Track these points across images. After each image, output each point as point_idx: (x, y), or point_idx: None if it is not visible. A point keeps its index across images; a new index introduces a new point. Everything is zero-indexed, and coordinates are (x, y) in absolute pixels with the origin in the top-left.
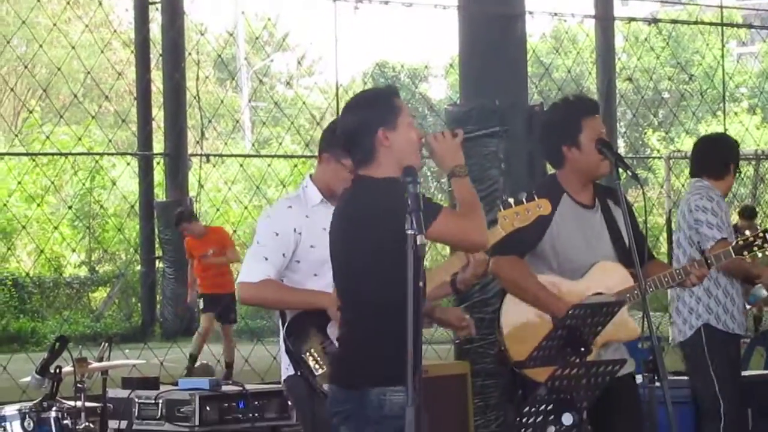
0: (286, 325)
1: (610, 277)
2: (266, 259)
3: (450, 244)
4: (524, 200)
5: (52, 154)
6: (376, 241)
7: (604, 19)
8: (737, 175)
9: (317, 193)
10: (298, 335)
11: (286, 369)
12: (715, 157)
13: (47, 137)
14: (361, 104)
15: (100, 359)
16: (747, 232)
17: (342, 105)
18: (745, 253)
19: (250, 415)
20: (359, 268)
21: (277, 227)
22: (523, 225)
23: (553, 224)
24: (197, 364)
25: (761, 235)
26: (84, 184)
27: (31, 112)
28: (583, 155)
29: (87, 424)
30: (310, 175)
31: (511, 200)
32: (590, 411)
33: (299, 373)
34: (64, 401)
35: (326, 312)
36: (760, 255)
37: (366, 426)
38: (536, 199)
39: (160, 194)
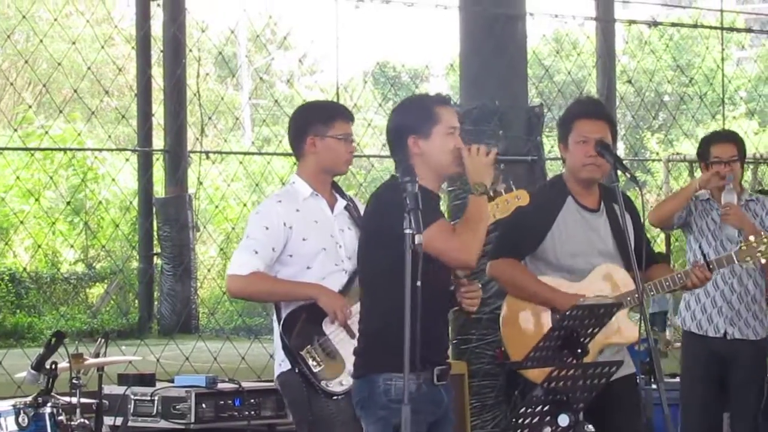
0: (282, 321)
1: (610, 281)
2: (256, 252)
3: (435, 255)
4: (503, 192)
5: (51, 149)
6: (377, 240)
7: (605, 20)
8: None
9: (306, 186)
10: (294, 331)
11: (280, 365)
12: None
13: (46, 132)
14: (400, 108)
15: (97, 355)
16: (751, 237)
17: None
18: (748, 258)
19: (247, 412)
20: (368, 264)
21: (267, 221)
22: (503, 216)
23: (554, 227)
24: None
25: (765, 241)
26: (82, 180)
27: (30, 107)
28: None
29: (82, 420)
30: (296, 173)
31: (490, 192)
32: (592, 411)
33: (297, 370)
34: (59, 397)
35: (320, 307)
36: (764, 261)
37: (377, 410)
38: (514, 190)
39: (159, 191)
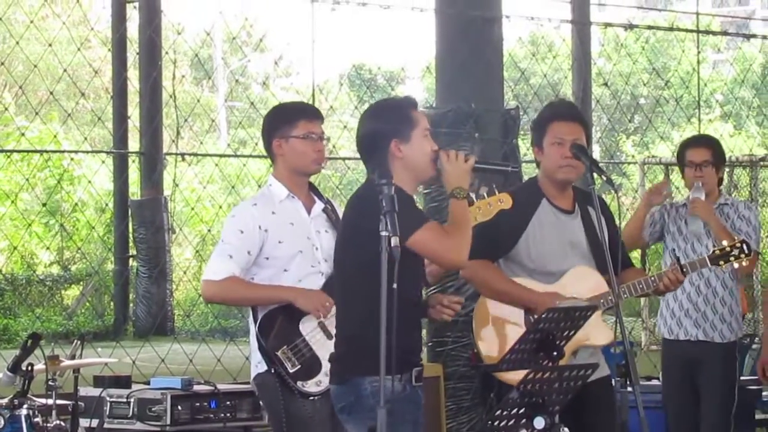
0: (258, 322)
1: (584, 283)
2: (231, 257)
3: (426, 257)
4: (485, 195)
5: (27, 151)
6: (355, 241)
7: (581, 23)
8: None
9: (283, 189)
10: (270, 332)
11: (256, 366)
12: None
13: (22, 134)
14: (377, 114)
15: (72, 357)
16: (724, 242)
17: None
18: (721, 263)
19: (222, 414)
20: (346, 266)
21: (242, 225)
22: (486, 219)
23: (529, 229)
24: None
25: (738, 245)
26: (58, 181)
27: (6, 109)
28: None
29: (58, 422)
30: (272, 175)
31: (473, 195)
32: (567, 413)
33: (272, 371)
34: (35, 399)
35: (297, 308)
36: (736, 266)
37: (367, 413)
38: (497, 193)
39: (134, 193)
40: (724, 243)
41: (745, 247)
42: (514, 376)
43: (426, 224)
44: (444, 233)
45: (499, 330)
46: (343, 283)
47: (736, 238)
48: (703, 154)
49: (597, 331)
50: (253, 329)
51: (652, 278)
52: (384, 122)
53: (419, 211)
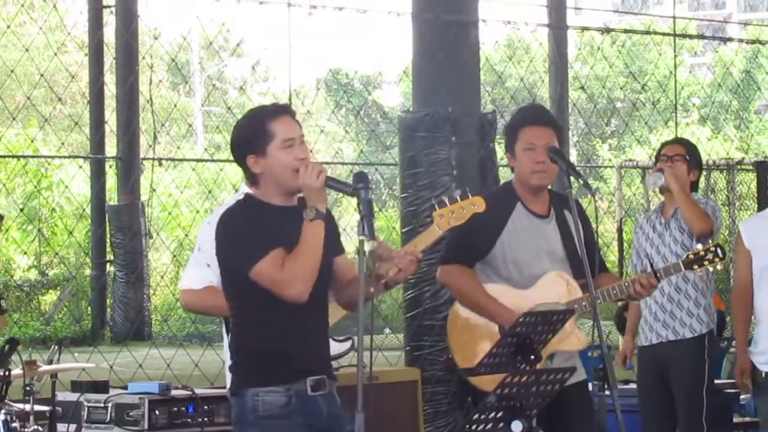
0: (230, 332)
1: (558, 288)
2: (208, 265)
3: (268, 288)
4: (459, 198)
5: (4, 157)
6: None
7: (558, 27)
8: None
9: None
10: None
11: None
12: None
13: None
14: (237, 126)
15: (50, 362)
16: (698, 246)
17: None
18: (695, 267)
19: (200, 419)
20: (235, 277)
21: None
22: (459, 223)
23: (504, 233)
24: None
25: (712, 249)
26: (35, 187)
27: None
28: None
29: (36, 427)
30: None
31: (446, 199)
32: (543, 417)
33: None
34: (12, 404)
35: None
36: (711, 270)
37: (248, 428)
38: (470, 197)
39: (112, 198)
40: (698, 247)
41: (719, 251)
42: (479, 381)
43: (270, 252)
44: (281, 265)
45: (473, 335)
46: (233, 299)
47: (711, 243)
48: (677, 149)
49: (571, 337)
50: (225, 338)
51: (626, 283)
52: (239, 138)
53: (267, 235)
